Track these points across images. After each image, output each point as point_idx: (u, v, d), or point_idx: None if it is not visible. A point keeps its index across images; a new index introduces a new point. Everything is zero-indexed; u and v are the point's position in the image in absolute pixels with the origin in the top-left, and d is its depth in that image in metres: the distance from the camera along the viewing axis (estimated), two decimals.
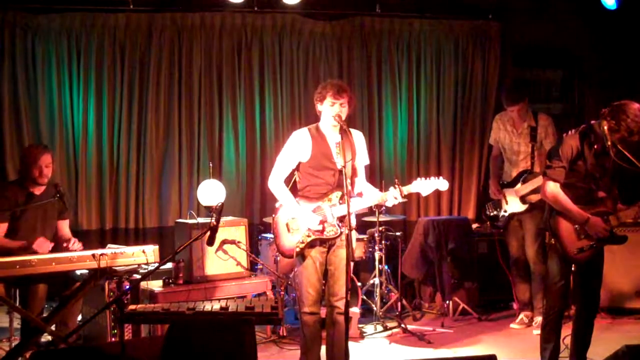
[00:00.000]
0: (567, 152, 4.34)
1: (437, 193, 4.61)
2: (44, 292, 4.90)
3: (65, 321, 4.93)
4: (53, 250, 4.96)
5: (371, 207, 5.65)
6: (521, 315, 6.14)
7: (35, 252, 4.75)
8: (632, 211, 4.37)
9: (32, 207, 5.07)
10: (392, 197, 4.48)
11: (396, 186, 4.47)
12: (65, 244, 5.07)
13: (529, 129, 6.01)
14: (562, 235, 4.38)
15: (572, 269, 4.50)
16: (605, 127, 4.24)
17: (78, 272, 4.91)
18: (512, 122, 6.12)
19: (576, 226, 4.36)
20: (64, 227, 5.32)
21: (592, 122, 4.38)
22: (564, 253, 4.39)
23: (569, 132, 4.43)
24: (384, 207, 5.92)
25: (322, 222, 4.40)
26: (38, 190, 5.13)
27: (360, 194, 4.61)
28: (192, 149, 7.14)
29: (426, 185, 4.52)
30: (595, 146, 4.31)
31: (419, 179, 4.55)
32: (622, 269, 6.16)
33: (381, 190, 4.71)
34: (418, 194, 4.59)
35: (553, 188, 4.35)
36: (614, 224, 4.36)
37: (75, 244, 5.09)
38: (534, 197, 5.92)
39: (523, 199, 6.00)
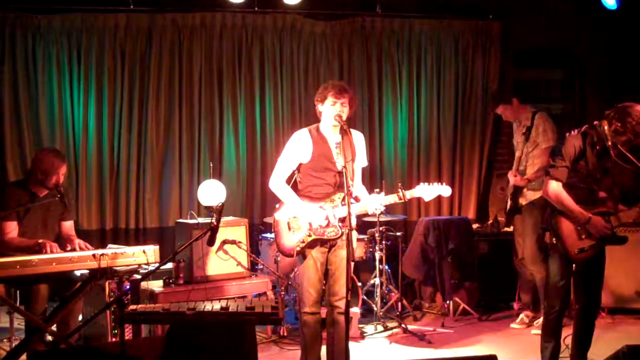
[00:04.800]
0: (570, 152, 4.35)
1: None
2: (45, 292, 4.89)
3: (67, 321, 4.92)
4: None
5: None
6: (521, 315, 6.14)
7: (41, 252, 4.73)
8: (633, 212, 4.37)
9: (35, 209, 5.05)
10: (373, 207, 4.51)
11: (399, 190, 4.47)
12: (68, 245, 5.05)
13: (525, 128, 6.03)
14: (564, 235, 4.38)
15: (573, 268, 4.51)
16: (606, 128, 4.25)
17: (78, 273, 4.91)
18: (518, 123, 6.14)
19: (578, 226, 4.36)
20: (68, 228, 5.30)
21: (595, 122, 4.38)
22: (565, 253, 4.39)
23: (572, 132, 4.43)
24: (384, 207, 5.92)
25: (326, 218, 4.40)
26: (42, 193, 5.11)
27: (357, 199, 4.61)
28: (193, 149, 7.14)
29: (429, 191, 4.53)
30: (597, 147, 4.32)
31: (422, 184, 4.56)
32: (622, 269, 6.16)
33: (381, 191, 4.71)
34: (419, 197, 4.60)
35: (555, 187, 4.36)
36: (614, 225, 4.36)
37: (79, 245, 5.05)
38: (530, 196, 5.93)
39: (511, 198, 6.05)
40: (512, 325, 6.12)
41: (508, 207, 6.10)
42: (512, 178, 5.99)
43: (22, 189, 5.09)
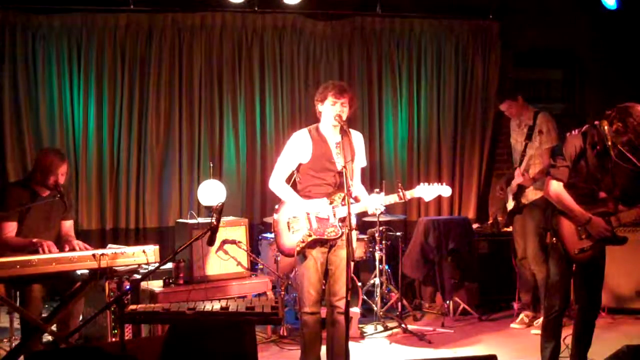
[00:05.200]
0: (571, 152, 4.34)
1: None
2: (39, 293, 4.86)
3: (66, 321, 4.91)
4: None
5: None
6: (521, 315, 6.14)
7: (38, 252, 4.72)
8: (633, 213, 4.37)
9: (36, 208, 5.04)
10: (373, 207, 4.51)
11: (399, 190, 4.48)
12: (66, 246, 5.03)
13: (527, 127, 6.03)
14: (564, 235, 4.38)
15: (573, 269, 4.50)
16: (606, 128, 4.25)
17: (78, 272, 4.91)
18: (518, 122, 6.13)
19: (578, 226, 4.36)
20: (67, 228, 5.28)
21: (596, 122, 4.38)
22: (565, 253, 4.39)
23: (572, 132, 4.43)
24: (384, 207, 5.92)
25: (325, 220, 4.40)
26: (44, 192, 5.10)
27: (356, 199, 4.61)
28: (193, 149, 7.14)
29: (429, 191, 4.53)
30: (598, 147, 4.31)
31: (422, 184, 4.56)
32: (622, 269, 6.16)
33: (381, 191, 4.71)
34: (419, 197, 4.60)
35: (557, 187, 4.35)
36: (614, 225, 4.36)
37: (78, 246, 5.03)
38: (531, 196, 5.94)
39: (514, 197, 6.04)
40: (512, 325, 6.12)
41: (512, 206, 6.09)
42: (519, 177, 5.98)
43: (23, 189, 5.08)
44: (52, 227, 5.18)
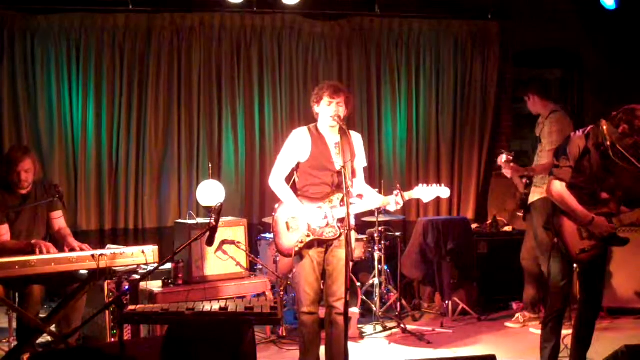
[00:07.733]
0: (575, 152, 4.33)
1: None
2: (39, 294, 4.84)
3: (69, 319, 4.86)
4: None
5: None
6: (517, 315, 6.13)
7: (36, 253, 4.69)
8: (635, 214, 4.36)
9: (25, 209, 4.99)
10: (395, 202, 4.49)
11: (397, 192, 4.47)
12: (66, 248, 4.99)
13: (541, 126, 6.04)
14: (565, 235, 4.38)
15: (574, 268, 4.51)
16: (605, 128, 4.25)
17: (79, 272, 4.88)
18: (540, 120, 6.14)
19: (579, 227, 4.36)
20: (61, 223, 5.18)
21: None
22: (567, 253, 4.39)
23: (576, 132, 4.42)
24: (383, 208, 5.91)
25: (325, 217, 4.40)
26: (24, 191, 4.98)
27: (360, 196, 4.61)
28: (192, 149, 7.13)
29: (428, 192, 4.54)
30: (602, 147, 4.30)
31: (420, 185, 4.57)
32: (622, 269, 6.17)
33: (380, 192, 4.72)
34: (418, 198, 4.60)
35: (559, 187, 4.35)
36: (616, 226, 4.35)
37: (79, 247, 4.99)
38: (531, 198, 5.94)
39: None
40: (507, 324, 6.11)
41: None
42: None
43: (4, 192, 4.95)
44: (41, 225, 5.08)
